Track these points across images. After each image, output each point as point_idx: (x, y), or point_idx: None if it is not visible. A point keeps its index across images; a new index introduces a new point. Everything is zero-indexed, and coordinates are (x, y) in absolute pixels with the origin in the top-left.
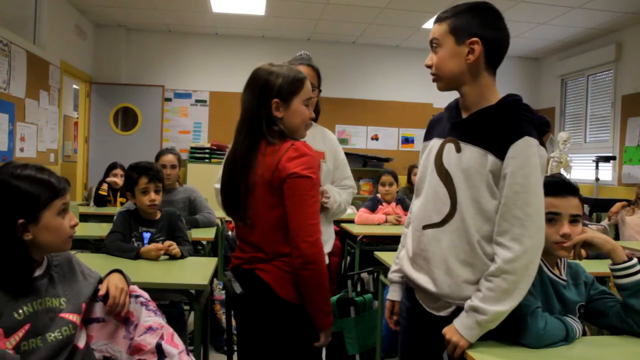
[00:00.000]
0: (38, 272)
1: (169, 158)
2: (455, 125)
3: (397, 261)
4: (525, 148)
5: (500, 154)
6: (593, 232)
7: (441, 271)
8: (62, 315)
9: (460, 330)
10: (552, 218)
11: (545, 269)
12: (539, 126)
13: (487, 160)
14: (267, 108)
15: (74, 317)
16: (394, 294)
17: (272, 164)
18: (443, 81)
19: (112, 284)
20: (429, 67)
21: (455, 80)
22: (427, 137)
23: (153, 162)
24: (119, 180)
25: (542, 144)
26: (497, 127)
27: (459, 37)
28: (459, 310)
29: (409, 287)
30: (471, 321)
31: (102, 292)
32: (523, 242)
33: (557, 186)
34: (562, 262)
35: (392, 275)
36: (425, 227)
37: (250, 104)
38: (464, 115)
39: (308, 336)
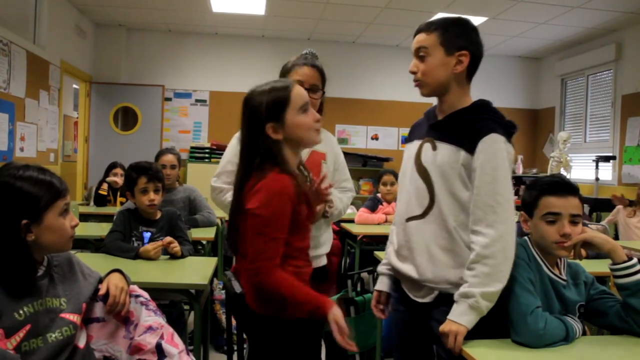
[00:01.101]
0: (39, 272)
1: (169, 158)
2: (432, 127)
3: (386, 256)
4: (492, 144)
5: (471, 149)
6: (593, 232)
7: (424, 258)
8: (63, 315)
9: (455, 319)
10: (552, 219)
11: (545, 268)
12: (506, 126)
13: (460, 155)
14: (263, 137)
15: (74, 317)
16: (381, 284)
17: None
18: (428, 88)
19: (112, 283)
20: (414, 73)
21: (440, 87)
22: (409, 140)
23: (152, 161)
24: (119, 180)
25: (510, 141)
26: (467, 126)
27: (448, 49)
28: (441, 295)
29: (397, 279)
30: (464, 307)
31: (102, 291)
32: (497, 227)
33: (557, 186)
34: (562, 262)
35: (381, 268)
36: (408, 219)
37: (246, 137)
38: (440, 118)
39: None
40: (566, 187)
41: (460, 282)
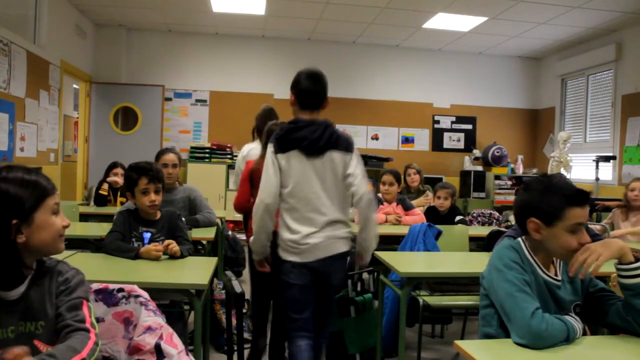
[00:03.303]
0: (14, 295)
1: (171, 157)
2: None
3: None
4: None
5: None
6: (608, 250)
7: None
8: (37, 342)
9: None
10: (576, 228)
11: (539, 270)
12: (277, 134)
13: None
14: None
15: (46, 350)
16: None
17: None
18: None
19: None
20: None
21: (295, 117)
22: None
23: (153, 162)
24: (120, 180)
25: (274, 143)
26: None
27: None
28: None
29: None
30: None
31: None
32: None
33: (582, 197)
34: (557, 261)
35: None
36: None
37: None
38: None
39: None
40: (587, 197)
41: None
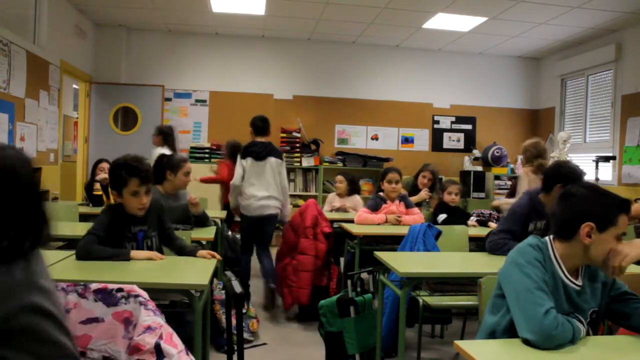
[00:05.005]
0: None
1: (190, 165)
2: None
3: None
4: None
5: None
6: (633, 249)
7: None
8: None
9: None
10: (620, 237)
11: (560, 273)
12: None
13: None
14: None
15: None
16: None
17: None
18: None
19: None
20: None
21: None
22: None
23: (141, 157)
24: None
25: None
26: None
27: None
28: None
29: None
30: None
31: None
32: None
33: (628, 205)
34: (582, 266)
35: None
36: None
37: None
38: None
39: None
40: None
41: None
